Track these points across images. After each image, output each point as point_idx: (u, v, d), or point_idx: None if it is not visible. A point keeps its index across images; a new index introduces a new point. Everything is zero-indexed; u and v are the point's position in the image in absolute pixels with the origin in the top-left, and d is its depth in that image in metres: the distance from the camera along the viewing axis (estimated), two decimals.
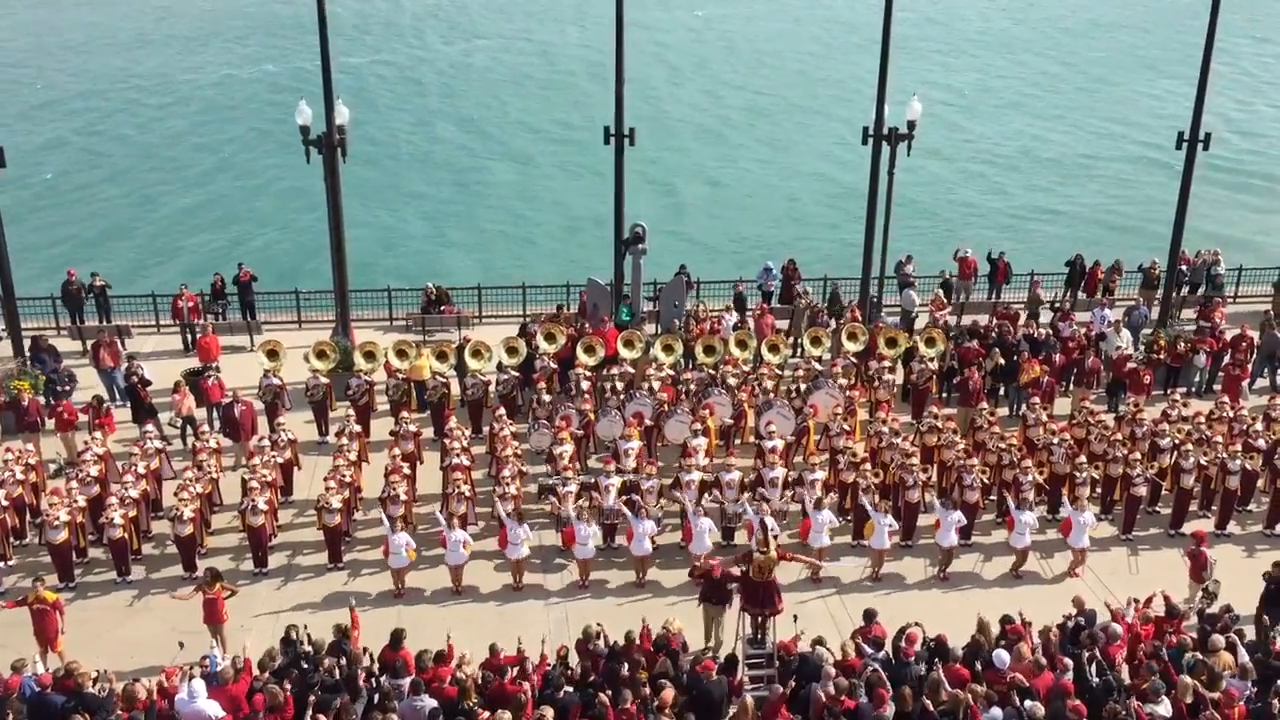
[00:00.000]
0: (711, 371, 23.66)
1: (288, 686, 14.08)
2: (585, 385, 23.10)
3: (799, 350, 26.38)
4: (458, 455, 20.35)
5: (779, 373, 24.07)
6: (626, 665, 14.77)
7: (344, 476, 19.67)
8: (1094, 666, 14.85)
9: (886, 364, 24.21)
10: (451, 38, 77.57)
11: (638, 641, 15.42)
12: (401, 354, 23.74)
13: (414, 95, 63.61)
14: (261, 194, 47.10)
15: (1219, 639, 15.35)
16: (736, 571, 16.38)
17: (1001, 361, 24.44)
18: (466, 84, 65.89)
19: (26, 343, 24.68)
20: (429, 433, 22.93)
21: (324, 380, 23.29)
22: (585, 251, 39.44)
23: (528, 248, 42.74)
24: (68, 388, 23.68)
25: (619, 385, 22.87)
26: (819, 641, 15.63)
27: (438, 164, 52.30)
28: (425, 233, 44.62)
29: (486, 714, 13.73)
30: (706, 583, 16.90)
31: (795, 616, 16.21)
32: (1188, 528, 20.85)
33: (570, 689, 14.49)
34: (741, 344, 24.40)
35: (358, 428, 21.66)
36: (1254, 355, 26.05)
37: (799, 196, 48.40)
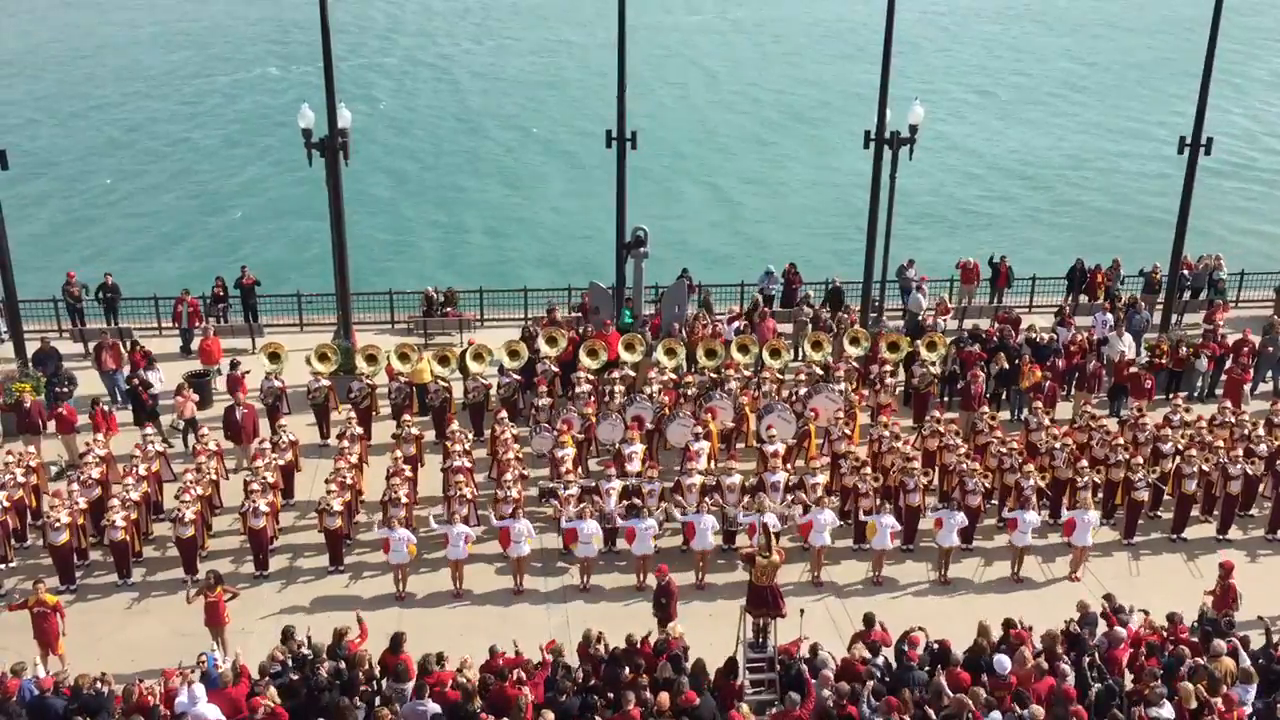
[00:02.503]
0: (713, 375, 23.66)
1: (274, 693, 14.01)
2: (587, 388, 23.10)
3: (799, 354, 26.38)
4: (459, 458, 20.37)
5: (780, 377, 24.07)
6: (627, 669, 14.76)
7: (345, 479, 19.67)
8: (1094, 672, 14.82)
9: (888, 368, 24.20)
10: (479, 36, 77.67)
11: (639, 645, 15.41)
12: (404, 357, 23.74)
13: (416, 96, 63.66)
14: (270, 196, 47.33)
15: (1220, 644, 15.33)
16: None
17: (1006, 365, 24.43)
18: (477, 86, 65.97)
19: (32, 346, 24.68)
20: (431, 435, 22.93)
21: (325, 383, 23.30)
22: (588, 255, 39.47)
23: (529, 250, 42.73)
24: (68, 390, 23.68)
25: (620, 389, 22.87)
26: (818, 647, 15.59)
27: (441, 166, 52.33)
28: (425, 234, 44.63)
29: (490, 718, 13.70)
30: (657, 587, 17.11)
31: (802, 611, 16.23)
32: (1189, 533, 20.87)
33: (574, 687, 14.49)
34: (743, 348, 24.43)
35: (359, 430, 21.67)
36: (1256, 360, 26.02)
37: (806, 199, 48.41)
